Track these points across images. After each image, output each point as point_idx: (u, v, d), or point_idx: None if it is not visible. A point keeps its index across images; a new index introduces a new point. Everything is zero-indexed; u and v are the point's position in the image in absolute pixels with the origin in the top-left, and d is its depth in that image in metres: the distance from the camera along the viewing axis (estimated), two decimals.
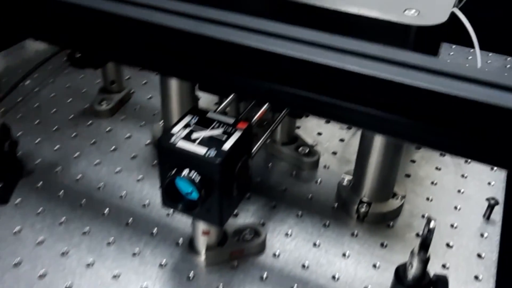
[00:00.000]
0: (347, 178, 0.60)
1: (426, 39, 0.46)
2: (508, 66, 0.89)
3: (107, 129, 0.70)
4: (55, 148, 0.66)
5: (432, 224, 0.41)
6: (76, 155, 0.65)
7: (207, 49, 0.41)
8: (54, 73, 0.81)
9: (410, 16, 0.47)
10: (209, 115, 0.47)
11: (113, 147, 0.66)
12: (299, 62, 0.38)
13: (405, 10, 0.47)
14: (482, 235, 0.56)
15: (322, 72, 0.38)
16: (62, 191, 0.59)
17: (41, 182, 0.60)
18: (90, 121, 0.71)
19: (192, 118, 0.46)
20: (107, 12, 0.43)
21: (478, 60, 0.54)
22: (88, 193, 0.59)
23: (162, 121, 0.67)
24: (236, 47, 0.40)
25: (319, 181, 0.63)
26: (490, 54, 0.92)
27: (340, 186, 0.60)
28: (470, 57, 0.91)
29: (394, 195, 0.59)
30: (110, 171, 0.63)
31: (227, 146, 0.43)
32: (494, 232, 0.57)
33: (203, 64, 0.42)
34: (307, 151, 0.65)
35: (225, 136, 0.44)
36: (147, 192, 0.60)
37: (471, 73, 0.36)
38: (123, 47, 0.45)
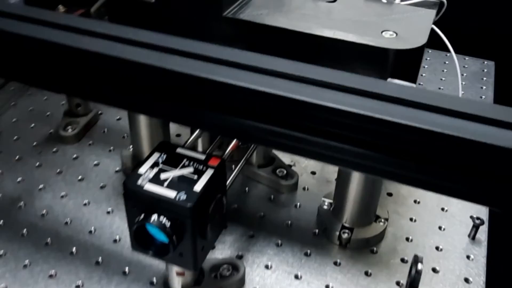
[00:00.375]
0: (328, 201, 0.58)
1: (405, 62, 0.44)
2: (485, 70, 0.88)
3: (74, 156, 0.66)
4: (18, 180, 0.62)
5: (419, 266, 0.38)
6: (40, 187, 0.61)
7: (171, 83, 0.38)
8: (16, 95, 0.76)
9: (388, 39, 0.44)
10: (179, 151, 0.44)
11: (80, 176, 0.63)
12: (271, 97, 0.35)
13: (382, 32, 0.45)
14: (468, 257, 0.54)
15: (296, 108, 0.35)
16: (26, 229, 0.55)
17: (1, 221, 0.56)
18: (55, 148, 0.67)
19: (160, 156, 0.43)
20: (60, 44, 0.40)
21: (459, 91, 0.51)
22: (54, 230, 0.56)
23: (131, 146, 0.63)
24: (203, 82, 0.37)
25: (298, 205, 0.60)
26: (467, 58, 0.91)
27: (321, 211, 0.58)
28: (447, 62, 0.89)
29: (377, 218, 0.57)
30: (78, 204, 0.59)
31: (198, 187, 0.40)
32: (480, 253, 0.55)
33: (166, 99, 0.39)
34: (285, 173, 0.62)
35: (196, 176, 0.41)
36: (118, 226, 0.56)
37: (452, 106, 0.33)
38: (77, 81, 0.42)
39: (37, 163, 0.64)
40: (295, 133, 0.36)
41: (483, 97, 0.81)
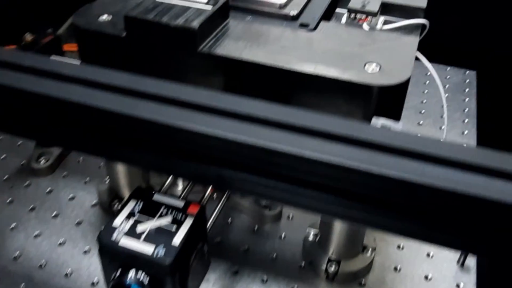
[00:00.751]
0: (313, 232, 0.56)
1: (389, 97, 0.42)
2: (468, 80, 0.87)
3: (47, 190, 0.63)
4: None
5: None
6: (12, 226, 0.58)
7: (142, 131, 0.36)
8: None
9: (371, 73, 0.42)
10: (156, 198, 0.42)
11: (55, 212, 0.60)
12: (249, 147, 0.33)
13: (365, 65, 0.43)
14: (458, 286, 0.53)
15: (275, 158, 0.33)
16: None
17: None
18: (27, 182, 0.64)
19: (136, 204, 0.41)
20: (22, 90, 0.37)
21: (444, 134, 0.50)
22: (28, 274, 0.53)
23: (108, 177, 0.61)
24: (176, 131, 0.34)
25: (283, 235, 0.58)
26: (449, 68, 0.89)
27: (306, 242, 0.56)
28: (429, 73, 0.88)
29: (364, 248, 0.55)
30: (52, 244, 0.56)
31: (177, 240, 0.38)
32: (469, 281, 0.54)
33: (138, 147, 0.37)
34: (268, 202, 0.60)
35: (175, 226, 0.39)
36: (96, 267, 0.54)
37: (436, 151, 0.32)
38: (42, 127, 0.39)
39: (9, 199, 0.61)
40: (274, 183, 0.34)
41: (467, 109, 0.80)
